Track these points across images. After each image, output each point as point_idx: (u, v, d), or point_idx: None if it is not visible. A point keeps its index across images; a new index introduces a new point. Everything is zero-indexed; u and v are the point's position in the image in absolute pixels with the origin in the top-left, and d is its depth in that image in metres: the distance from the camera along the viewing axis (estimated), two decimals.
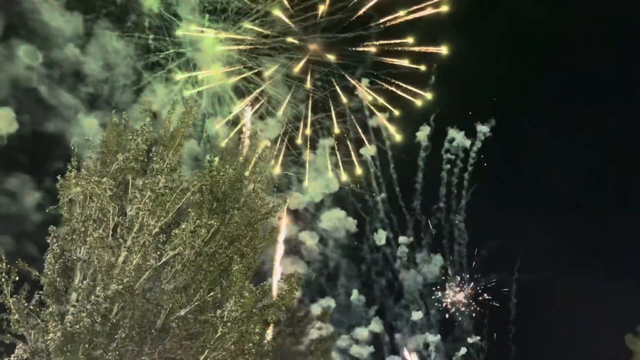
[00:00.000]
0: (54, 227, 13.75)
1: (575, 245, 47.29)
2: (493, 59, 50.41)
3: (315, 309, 40.12)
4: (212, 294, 14.35)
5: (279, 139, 46.12)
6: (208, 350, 13.72)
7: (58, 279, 13.53)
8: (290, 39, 44.96)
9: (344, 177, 49.34)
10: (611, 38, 49.80)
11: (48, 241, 13.66)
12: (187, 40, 43.54)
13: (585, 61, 49.15)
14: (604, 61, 49.54)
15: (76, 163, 14.22)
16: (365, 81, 47.98)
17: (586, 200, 52.53)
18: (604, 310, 44.69)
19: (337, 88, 47.78)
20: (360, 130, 49.44)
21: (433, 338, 52.25)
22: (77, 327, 12.58)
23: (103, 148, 15.03)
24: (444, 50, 46.97)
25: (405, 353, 51.34)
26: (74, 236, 13.78)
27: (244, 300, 13.81)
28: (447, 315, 52.79)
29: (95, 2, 40.27)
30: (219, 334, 13.67)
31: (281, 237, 41.81)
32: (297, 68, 46.07)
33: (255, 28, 43.93)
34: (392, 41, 46.02)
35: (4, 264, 12.96)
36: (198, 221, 14.01)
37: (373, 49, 46.32)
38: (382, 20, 45.36)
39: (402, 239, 53.52)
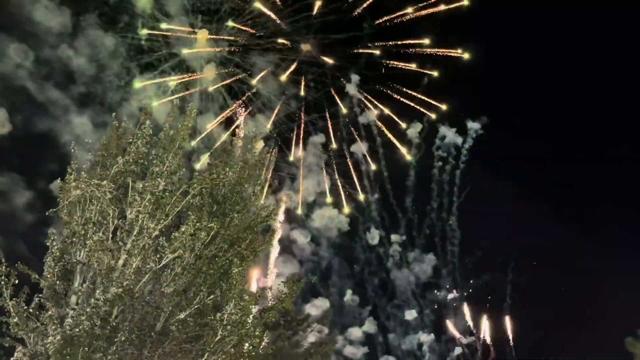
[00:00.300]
0: (54, 231, 13.75)
1: (573, 244, 47.32)
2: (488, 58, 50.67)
3: (309, 309, 40.12)
4: (212, 297, 14.35)
5: (273, 140, 46.09)
6: (208, 353, 13.76)
7: (58, 282, 13.52)
8: (281, 40, 44.98)
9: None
10: (611, 38, 50.29)
11: (48, 244, 13.65)
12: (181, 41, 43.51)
13: (578, 60, 49.68)
14: (597, 60, 50.09)
15: (76, 166, 14.18)
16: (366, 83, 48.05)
17: (584, 197, 53.03)
18: (604, 312, 44.95)
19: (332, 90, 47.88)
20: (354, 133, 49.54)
21: (427, 338, 52.38)
22: (77, 330, 12.57)
23: (103, 151, 14.99)
24: (465, 55, 46.43)
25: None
26: (74, 239, 13.76)
27: (243, 304, 13.85)
28: (441, 315, 53.01)
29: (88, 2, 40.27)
30: (218, 337, 13.72)
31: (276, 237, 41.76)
32: (287, 72, 46.04)
33: (247, 29, 43.93)
34: (405, 42, 45.50)
35: (4, 267, 12.91)
36: (198, 224, 14.02)
37: (377, 51, 46.06)
38: (383, 19, 45.17)
39: (394, 237, 53.60)
